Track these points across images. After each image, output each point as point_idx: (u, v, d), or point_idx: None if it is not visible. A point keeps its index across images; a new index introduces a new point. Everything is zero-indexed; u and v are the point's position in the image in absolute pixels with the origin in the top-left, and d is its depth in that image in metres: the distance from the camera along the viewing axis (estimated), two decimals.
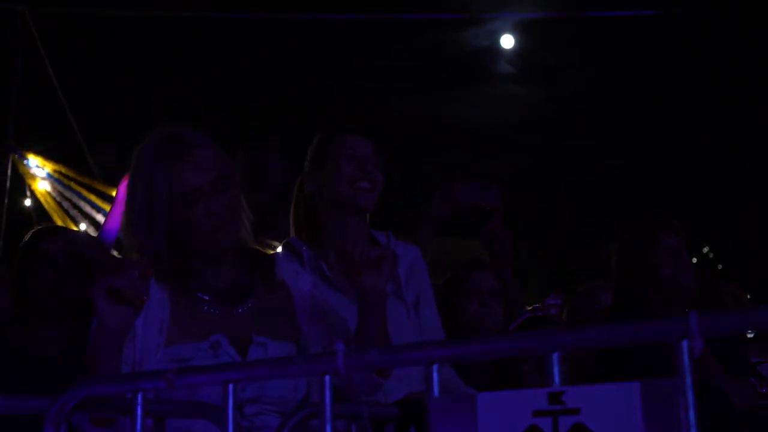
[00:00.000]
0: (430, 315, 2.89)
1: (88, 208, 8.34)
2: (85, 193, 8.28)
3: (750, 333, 3.91)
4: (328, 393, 1.49)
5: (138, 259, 2.18)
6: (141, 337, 2.13)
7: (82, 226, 8.27)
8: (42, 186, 8.22)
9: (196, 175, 2.20)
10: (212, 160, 2.24)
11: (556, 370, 1.26)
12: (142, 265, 1.96)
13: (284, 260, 2.51)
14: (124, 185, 5.10)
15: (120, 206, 5.29)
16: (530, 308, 3.67)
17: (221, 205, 2.20)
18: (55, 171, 8.24)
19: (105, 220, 4.97)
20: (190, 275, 2.23)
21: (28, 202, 8.60)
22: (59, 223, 7.61)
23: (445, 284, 3.58)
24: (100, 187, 8.11)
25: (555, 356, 1.24)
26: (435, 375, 1.38)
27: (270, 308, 2.28)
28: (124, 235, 2.28)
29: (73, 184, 8.41)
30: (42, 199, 8.09)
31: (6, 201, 7.94)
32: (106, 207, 7.97)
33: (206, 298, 2.21)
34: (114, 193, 7.89)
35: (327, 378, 1.49)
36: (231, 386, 1.59)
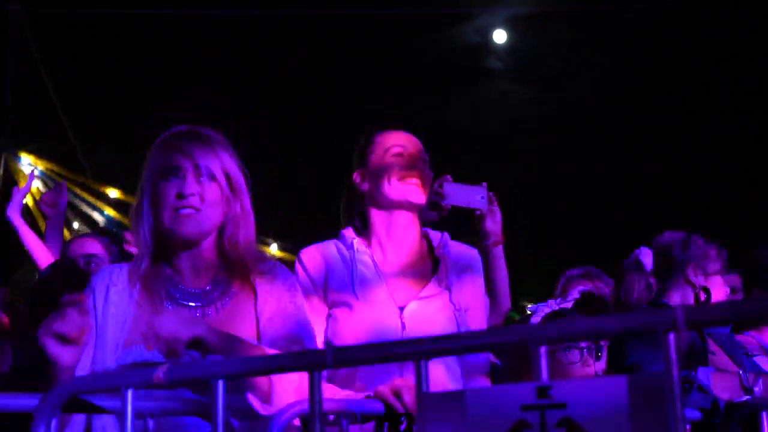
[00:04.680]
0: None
1: (83, 207, 8.34)
2: (78, 191, 8.29)
3: None
4: (317, 389, 1.48)
5: (72, 295, 2.17)
6: (101, 330, 2.16)
7: (75, 225, 8.27)
8: (33, 185, 8.19)
9: (177, 157, 2.24)
10: (201, 153, 2.25)
11: (543, 364, 1.25)
12: (77, 300, 2.01)
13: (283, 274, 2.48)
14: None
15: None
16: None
17: (195, 191, 2.21)
18: (47, 169, 8.24)
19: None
20: (162, 276, 2.25)
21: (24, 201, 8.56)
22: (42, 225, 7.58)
23: None
24: (94, 186, 8.11)
25: (542, 350, 1.23)
26: (423, 371, 1.38)
27: (236, 313, 2.26)
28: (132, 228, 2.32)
29: (67, 183, 8.39)
30: (32, 199, 8.06)
31: None
32: (101, 205, 7.99)
33: (169, 305, 2.22)
34: (107, 191, 7.89)
35: (316, 375, 1.49)
36: (221, 382, 1.58)
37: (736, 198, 10.39)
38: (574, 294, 2.77)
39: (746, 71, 10.15)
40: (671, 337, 1.13)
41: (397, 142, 2.81)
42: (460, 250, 2.86)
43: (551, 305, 2.77)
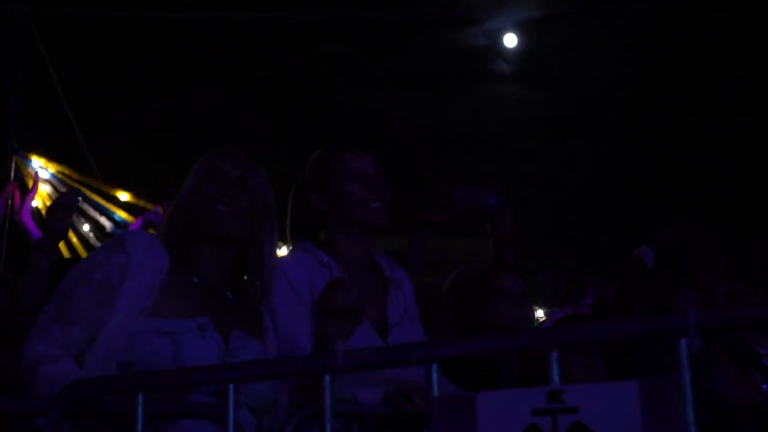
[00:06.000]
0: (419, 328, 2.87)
1: (91, 211, 8.32)
2: (89, 193, 8.26)
3: None
4: (327, 393, 1.49)
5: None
6: (125, 296, 2.20)
7: (86, 227, 8.25)
8: (43, 189, 8.16)
9: (225, 162, 2.40)
10: (247, 166, 2.43)
11: (554, 369, 1.26)
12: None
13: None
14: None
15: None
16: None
17: (235, 197, 2.36)
18: (58, 172, 8.21)
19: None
20: (190, 257, 2.34)
21: (33, 204, 8.50)
22: None
23: (472, 285, 3.55)
24: (104, 188, 8.08)
25: (554, 355, 1.24)
26: (434, 374, 1.39)
27: (246, 308, 2.38)
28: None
29: (77, 186, 8.37)
30: (41, 203, 8.01)
31: (10, 203, 7.90)
32: (111, 208, 7.96)
33: (196, 281, 2.31)
34: (118, 194, 7.87)
35: (327, 377, 1.50)
36: (231, 386, 1.59)
37: (736, 198, 10.38)
38: (588, 299, 2.77)
39: (746, 71, 10.14)
40: (683, 342, 1.14)
41: (354, 166, 2.76)
42: (398, 268, 2.87)
43: (566, 310, 2.77)
